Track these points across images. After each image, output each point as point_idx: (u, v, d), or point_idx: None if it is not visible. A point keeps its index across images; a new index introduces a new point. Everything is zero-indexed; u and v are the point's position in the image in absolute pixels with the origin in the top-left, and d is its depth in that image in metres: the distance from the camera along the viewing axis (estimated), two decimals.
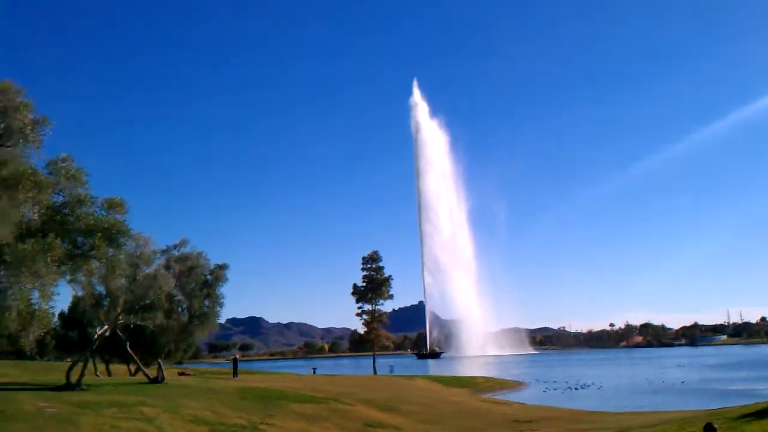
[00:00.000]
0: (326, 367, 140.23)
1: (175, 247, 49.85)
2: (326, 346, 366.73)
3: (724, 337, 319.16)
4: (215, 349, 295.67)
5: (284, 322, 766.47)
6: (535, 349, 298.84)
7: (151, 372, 45.15)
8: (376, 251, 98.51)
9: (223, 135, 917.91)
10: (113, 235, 23.13)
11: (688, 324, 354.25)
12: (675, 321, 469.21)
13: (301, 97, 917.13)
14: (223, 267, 51.42)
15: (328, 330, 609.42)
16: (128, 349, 45.38)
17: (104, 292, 42.97)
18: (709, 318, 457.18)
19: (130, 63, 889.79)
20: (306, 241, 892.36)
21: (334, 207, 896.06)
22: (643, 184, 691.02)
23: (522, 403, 55.78)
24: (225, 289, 48.48)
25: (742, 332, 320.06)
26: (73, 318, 61.25)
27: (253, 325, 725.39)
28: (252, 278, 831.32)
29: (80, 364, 37.56)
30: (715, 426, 13.66)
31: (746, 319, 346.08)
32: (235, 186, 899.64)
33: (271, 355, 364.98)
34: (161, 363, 45.32)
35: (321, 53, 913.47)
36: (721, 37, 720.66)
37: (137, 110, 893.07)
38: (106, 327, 40.54)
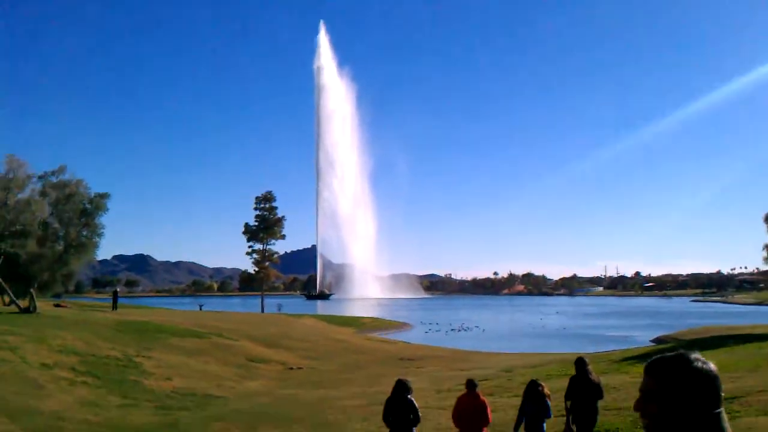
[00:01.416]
0: (214, 304, 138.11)
1: (52, 173, 47.18)
2: (215, 285, 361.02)
3: (601, 288, 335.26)
4: (99, 284, 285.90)
5: (173, 261, 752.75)
6: (426, 294, 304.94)
7: (24, 303, 42.73)
8: (270, 191, 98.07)
9: (118, 66, 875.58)
10: None
11: (567, 275, 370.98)
12: (555, 272, 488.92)
13: (200, 30, 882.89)
14: (103, 196, 49.20)
15: (218, 270, 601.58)
16: None
17: None
18: (588, 271, 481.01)
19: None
20: (197, 178, 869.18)
21: (228, 145, 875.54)
22: (533, 133, 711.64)
23: (406, 342, 56.68)
24: (110, 224, 46.37)
25: (617, 285, 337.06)
26: None
27: (140, 262, 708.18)
28: (140, 215, 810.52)
29: None
30: (587, 359, 14.17)
31: (621, 273, 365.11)
32: (127, 119, 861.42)
33: (158, 292, 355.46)
34: (33, 293, 42.88)
35: None
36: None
37: (20, 40, 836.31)
38: None
